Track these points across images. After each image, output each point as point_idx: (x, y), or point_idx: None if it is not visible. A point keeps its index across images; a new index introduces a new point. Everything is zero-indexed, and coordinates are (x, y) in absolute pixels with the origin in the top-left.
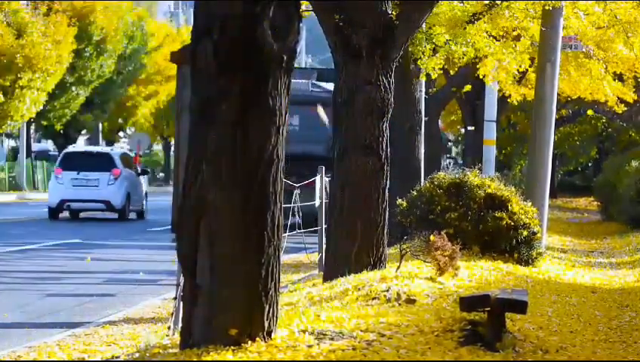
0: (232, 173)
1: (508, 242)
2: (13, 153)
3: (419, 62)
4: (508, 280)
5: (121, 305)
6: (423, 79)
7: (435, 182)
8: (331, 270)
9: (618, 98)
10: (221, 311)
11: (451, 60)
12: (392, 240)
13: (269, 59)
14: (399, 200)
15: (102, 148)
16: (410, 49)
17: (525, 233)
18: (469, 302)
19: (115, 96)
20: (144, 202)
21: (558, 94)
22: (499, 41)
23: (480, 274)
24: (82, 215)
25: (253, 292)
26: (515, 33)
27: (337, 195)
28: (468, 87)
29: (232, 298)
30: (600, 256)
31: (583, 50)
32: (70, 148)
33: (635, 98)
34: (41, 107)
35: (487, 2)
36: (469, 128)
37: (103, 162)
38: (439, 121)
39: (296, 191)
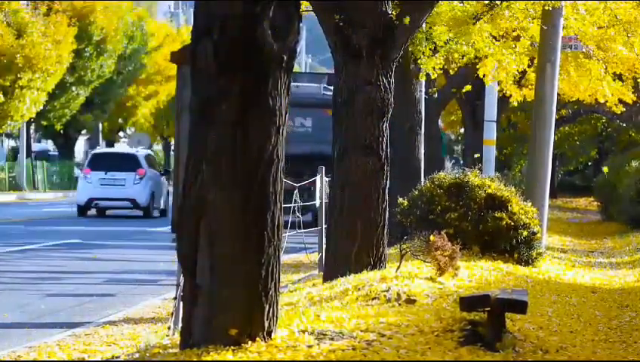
0: (232, 173)
1: (508, 242)
2: (13, 153)
3: (419, 62)
4: (508, 280)
5: (121, 305)
6: (422, 79)
7: (436, 182)
8: (331, 270)
9: (618, 99)
10: (221, 311)
11: (451, 60)
12: (392, 240)
13: (269, 59)
14: (400, 200)
15: (128, 149)
16: (410, 49)
17: (525, 233)
18: (469, 302)
19: (115, 96)
20: (167, 200)
21: (559, 94)
22: (499, 41)
23: (480, 274)
24: (108, 212)
25: (253, 292)
26: (515, 33)
27: (337, 195)
28: (468, 87)
29: (232, 298)
30: (600, 256)
31: (583, 50)
32: (98, 150)
33: (635, 99)
34: (41, 107)
35: (487, 2)
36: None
37: (129, 163)
38: (439, 121)
39: (296, 191)
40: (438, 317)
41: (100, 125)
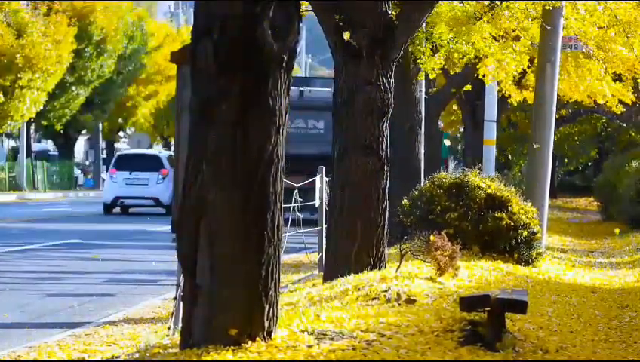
0: (232, 173)
1: (508, 242)
2: (13, 153)
3: (419, 61)
4: (508, 280)
5: (121, 305)
6: (421, 79)
7: (436, 182)
8: (331, 270)
9: (618, 99)
10: (221, 311)
11: (451, 61)
12: (392, 240)
13: (269, 59)
14: (405, 201)
15: (152, 150)
16: (410, 49)
17: (525, 233)
18: (469, 302)
19: (115, 96)
20: None
21: (559, 94)
22: (498, 41)
23: (480, 274)
24: (131, 210)
25: (253, 292)
26: (514, 33)
27: (337, 195)
28: (468, 87)
29: (232, 298)
30: (600, 256)
31: (583, 50)
32: (123, 151)
33: (634, 99)
34: (41, 107)
35: (487, 2)
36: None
37: (153, 163)
38: (439, 121)
39: (296, 191)
40: (438, 317)
41: (100, 125)
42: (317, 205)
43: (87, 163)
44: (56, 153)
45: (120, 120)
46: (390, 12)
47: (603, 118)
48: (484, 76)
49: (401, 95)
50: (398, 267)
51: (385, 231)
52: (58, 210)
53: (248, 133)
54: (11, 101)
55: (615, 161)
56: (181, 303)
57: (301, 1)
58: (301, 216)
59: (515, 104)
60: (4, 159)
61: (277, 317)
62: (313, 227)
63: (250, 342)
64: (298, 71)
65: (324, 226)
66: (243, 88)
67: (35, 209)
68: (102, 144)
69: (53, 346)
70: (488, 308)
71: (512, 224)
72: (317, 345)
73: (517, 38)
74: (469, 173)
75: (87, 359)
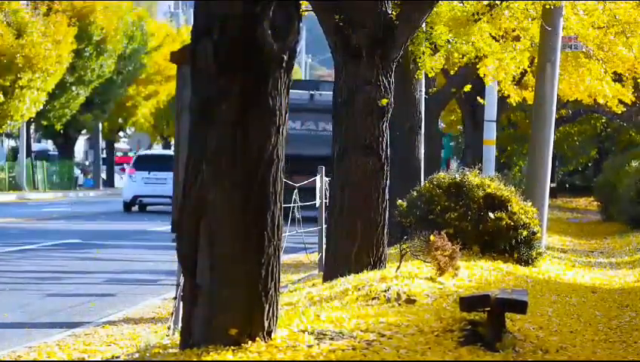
0: (232, 173)
1: (508, 242)
2: (13, 153)
3: (419, 61)
4: (508, 280)
5: (121, 305)
6: (420, 78)
7: (435, 182)
8: (331, 270)
9: (618, 99)
10: (221, 311)
11: (451, 60)
12: (392, 240)
13: (269, 59)
14: (399, 202)
15: (169, 151)
16: (410, 49)
17: (525, 233)
18: (469, 302)
19: (115, 96)
20: None
21: (559, 94)
22: (498, 41)
23: (480, 274)
24: (149, 208)
25: (253, 292)
26: (514, 33)
27: (337, 195)
28: (468, 87)
29: (232, 298)
30: (600, 256)
31: (583, 49)
32: (142, 152)
33: (634, 99)
34: (41, 107)
35: (487, 2)
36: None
37: (170, 163)
38: (439, 121)
39: (296, 191)
40: (438, 317)
41: (100, 125)
42: (317, 205)
43: (87, 163)
44: (56, 153)
45: (120, 120)
46: (390, 12)
47: (603, 118)
48: (484, 76)
49: (401, 95)
50: (398, 267)
51: (385, 231)
52: (58, 209)
53: (248, 133)
54: (11, 101)
55: (615, 161)
56: (181, 303)
57: (301, 1)
58: (299, 217)
59: (515, 104)
60: (4, 159)
61: (277, 317)
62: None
63: (250, 342)
64: (298, 71)
65: (324, 226)
66: (243, 88)
67: (35, 209)
68: (102, 144)
69: (53, 346)
70: (488, 308)
71: (512, 224)
72: (317, 345)
73: (517, 38)
74: (468, 172)
75: (87, 359)
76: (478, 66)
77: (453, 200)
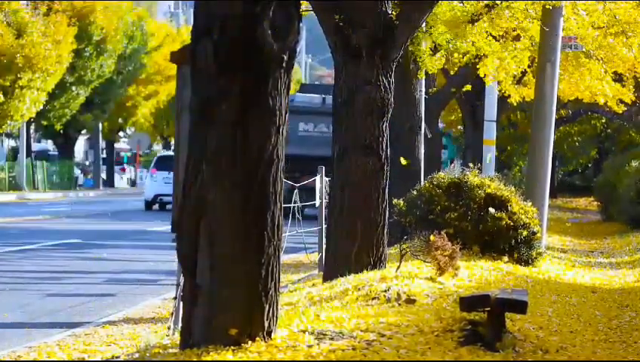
0: (232, 173)
1: (508, 242)
2: (13, 153)
3: (419, 60)
4: (508, 280)
5: (121, 305)
6: (421, 78)
7: (435, 182)
8: (331, 270)
9: (618, 99)
10: (221, 311)
11: (451, 60)
12: (392, 240)
13: (269, 59)
14: (396, 201)
15: None
16: (410, 49)
17: (525, 233)
18: (469, 302)
19: (115, 96)
20: None
21: (559, 94)
22: (499, 41)
23: (480, 274)
24: (169, 206)
25: (253, 292)
26: (515, 33)
27: (337, 195)
28: (468, 87)
29: (232, 298)
30: (600, 256)
31: (583, 49)
32: (163, 153)
33: (634, 99)
34: (41, 107)
35: (487, 2)
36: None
37: None
38: (439, 121)
39: (296, 191)
40: (438, 317)
41: (100, 125)
42: (317, 205)
43: (87, 163)
44: (56, 153)
45: (120, 120)
46: (390, 12)
47: (603, 118)
48: (484, 76)
49: (401, 95)
50: (398, 267)
51: (385, 231)
52: (58, 209)
53: (248, 133)
54: (11, 101)
55: (615, 161)
56: (181, 303)
57: (301, 1)
58: (304, 214)
59: (515, 104)
60: (4, 159)
61: (277, 317)
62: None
63: (250, 342)
64: (298, 71)
65: (324, 226)
66: (243, 88)
67: (35, 209)
68: (102, 144)
69: (53, 346)
70: (488, 308)
71: (512, 224)
72: (317, 345)
73: (517, 38)
74: (468, 172)
75: (87, 359)
76: (478, 66)
77: (454, 200)
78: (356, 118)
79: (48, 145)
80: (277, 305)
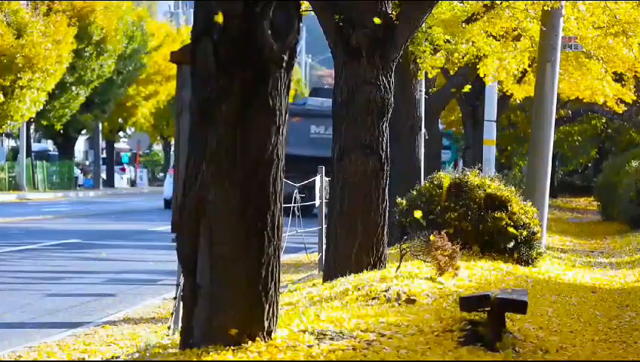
0: (232, 173)
1: (508, 242)
2: (13, 153)
3: (419, 61)
4: (508, 280)
5: (121, 305)
6: (421, 78)
7: (435, 182)
8: (331, 270)
9: (618, 98)
10: (221, 311)
11: (451, 60)
12: (392, 240)
13: (269, 59)
14: (399, 200)
15: None
16: (410, 49)
17: (525, 233)
18: (469, 302)
19: (115, 96)
20: None
21: (559, 94)
22: (499, 40)
23: (480, 274)
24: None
25: (253, 292)
26: (515, 33)
27: (337, 195)
28: (468, 87)
29: (232, 298)
30: (600, 256)
31: (583, 49)
32: None
33: (635, 98)
34: (41, 107)
35: (487, 2)
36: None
37: None
38: (439, 121)
39: (296, 191)
40: (438, 317)
41: (100, 125)
42: (317, 205)
43: (87, 163)
44: (56, 153)
45: (120, 120)
46: (390, 12)
47: (603, 118)
48: (484, 76)
49: (401, 95)
50: (398, 267)
51: (385, 231)
52: (58, 209)
53: (248, 133)
54: (11, 101)
55: (615, 161)
56: (181, 303)
57: (301, 1)
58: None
59: (519, 101)
60: (4, 159)
61: (277, 317)
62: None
63: (250, 342)
64: (298, 71)
65: (324, 226)
66: (243, 88)
67: (35, 209)
68: (102, 144)
69: (53, 346)
70: (488, 308)
71: (512, 224)
72: (317, 345)
73: (517, 38)
74: (468, 172)
75: (87, 359)
76: (478, 66)
77: (454, 200)
78: (356, 118)
79: (48, 145)
80: (277, 305)
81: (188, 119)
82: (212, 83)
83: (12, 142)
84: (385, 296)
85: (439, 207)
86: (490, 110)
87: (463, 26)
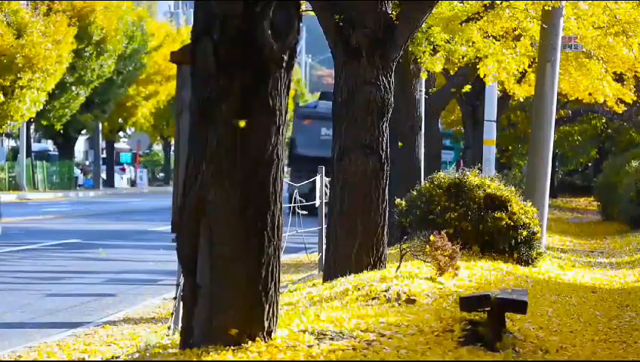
0: (232, 173)
1: (508, 242)
2: (13, 153)
3: (419, 61)
4: (508, 280)
5: (121, 305)
6: (423, 77)
7: (435, 182)
8: (331, 270)
9: (618, 98)
10: (221, 311)
11: (451, 60)
12: (392, 240)
13: (269, 59)
14: (398, 201)
15: None
16: (410, 49)
17: (525, 233)
18: (469, 302)
19: (115, 96)
20: None
21: (559, 94)
22: (499, 41)
23: (480, 274)
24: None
25: (253, 292)
26: (515, 33)
27: (337, 195)
28: (468, 87)
29: (232, 298)
30: (600, 256)
31: (583, 49)
32: None
33: (635, 98)
34: (41, 107)
35: (487, 2)
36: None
37: None
38: (439, 121)
39: (296, 191)
40: (438, 317)
41: (100, 125)
42: (317, 205)
43: (87, 163)
44: (56, 153)
45: (120, 120)
46: (390, 12)
47: (603, 118)
48: (484, 76)
49: (401, 95)
50: (398, 267)
51: (385, 231)
52: (58, 209)
53: (248, 133)
54: (11, 101)
55: (615, 161)
56: (181, 303)
57: (301, 1)
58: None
59: (521, 100)
60: (4, 159)
61: (277, 317)
62: None
63: (250, 342)
64: (298, 71)
65: (324, 226)
66: (243, 88)
67: (35, 209)
68: (102, 144)
69: (53, 346)
70: (488, 308)
71: (512, 224)
72: (317, 345)
73: (517, 38)
74: (468, 172)
75: (87, 359)
76: (478, 66)
77: (454, 200)
78: (356, 118)
79: (48, 145)
80: (277, 305)
81: (188, 119)
82: (212, 83)
83: (12, 142)
84: (385, 296)
85: (439, 207)
86: (490, 110)
87: (462, 25)
